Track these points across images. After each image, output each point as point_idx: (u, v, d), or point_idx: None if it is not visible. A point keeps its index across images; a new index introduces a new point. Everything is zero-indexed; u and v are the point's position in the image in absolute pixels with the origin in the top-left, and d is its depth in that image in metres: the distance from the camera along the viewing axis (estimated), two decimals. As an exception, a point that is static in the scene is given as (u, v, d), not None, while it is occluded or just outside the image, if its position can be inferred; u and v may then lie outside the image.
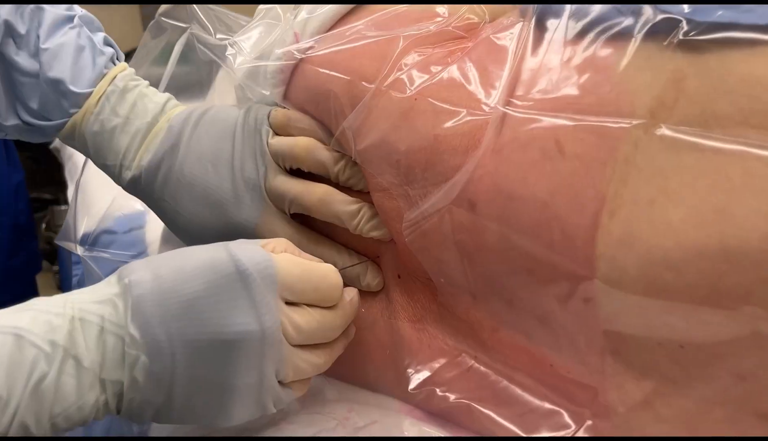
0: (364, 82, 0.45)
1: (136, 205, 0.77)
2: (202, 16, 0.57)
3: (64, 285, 1.23)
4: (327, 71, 0.47)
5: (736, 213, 0.31)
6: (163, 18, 0.59)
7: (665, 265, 0.33)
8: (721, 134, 0.32)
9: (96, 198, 0.80)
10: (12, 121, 0.53)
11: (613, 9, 0.37)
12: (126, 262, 0.42)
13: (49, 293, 0.41)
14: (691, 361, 0.34)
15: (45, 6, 0.53)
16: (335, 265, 0.45)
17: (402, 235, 0.45)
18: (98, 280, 0.43)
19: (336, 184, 0.49)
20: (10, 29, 0.51)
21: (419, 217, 0.43)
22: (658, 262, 0.33)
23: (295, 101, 0.50)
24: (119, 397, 0.39)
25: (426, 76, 0.43)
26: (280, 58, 0.49)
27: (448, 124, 0.41)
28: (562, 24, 0.39)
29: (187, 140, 0.51)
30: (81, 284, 0.75)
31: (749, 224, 0.31)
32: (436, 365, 0.45)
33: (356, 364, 0.50)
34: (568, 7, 0.39)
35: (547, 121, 0.37)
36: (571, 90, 0.37)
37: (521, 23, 0.42)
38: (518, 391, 0.42)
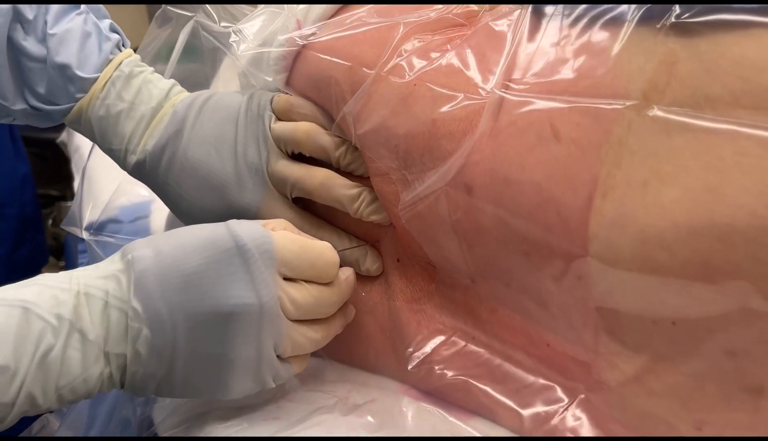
0: (364, 68, 0.46)
1: (142, 191, 0.78)
2: (207, 6, 0.58)
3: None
4: (328, 57, 0.48)
5: (728, 192, 0.32)
6: (169, 7, 0.60)
7: (658, 245, 0.33)
8: (712, 115, 0.33)
9: (102, 186, 0.81)
10: (20, 106, 0.54)
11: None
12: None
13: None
14: (683, 338, 0.34)
15: None
16: (335, 248, 0.45)
17: (401, 218, 0.46)
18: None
19: (337, 169, 0.50)
20: (18, 15, 0.52)
21: (415, 198, 0.44)
22: (651, 241, 0.34)
23: (298, 87, 0.51)
24: (123, 370, 0.40)
25: (425, 62, 0.44)
26: (283, 45, 0.50)
27: (446, 108, 0.42)
28: (558, 10, 0.40)
29: (191, 125, 0.52)
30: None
31: (739, 202, 0.31)
32: (434, 344, 0.45)
33: (356, 347, 0.51)
34: (564, -7, 0.40)
35: (543, 104, 0.38)
36: (566, 74, 0.38)
37: (519, 10, 0.43)
38: (513, 368, 0.43)
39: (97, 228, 0.72)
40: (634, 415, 0.37)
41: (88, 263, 0.59)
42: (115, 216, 0.77)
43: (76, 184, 1.09)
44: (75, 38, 0.53)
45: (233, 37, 0.53)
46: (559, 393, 0.40)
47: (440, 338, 0.46)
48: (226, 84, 0.62)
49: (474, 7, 0.47)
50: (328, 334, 0.46)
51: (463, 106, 0.41)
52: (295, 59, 0.51)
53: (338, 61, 0.47)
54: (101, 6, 0.57)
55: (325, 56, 0.48)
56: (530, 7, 0.41)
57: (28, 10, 0.52)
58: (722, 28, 0.33)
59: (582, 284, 0.36)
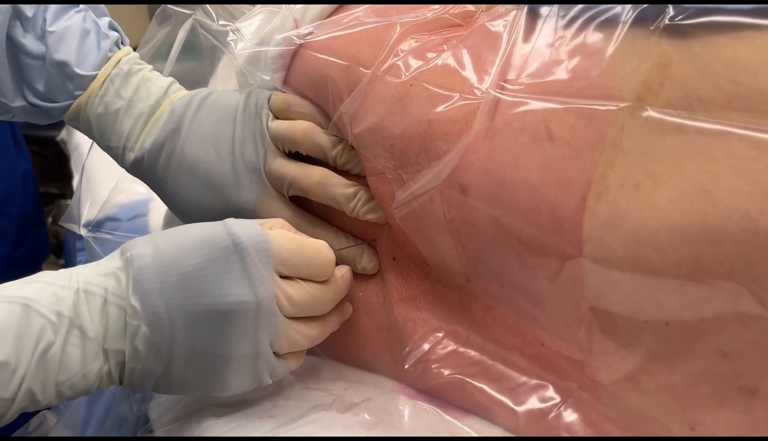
0: (361, 68, 0.46)
1: (140, 188, 0.78)
2: (206, 5, 0.58)
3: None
4: (325, 57, 0.48)
5: (720, 194, 0.32)
6: (168, 5, 0.60)
7: (651, 246, 0.34)
8: (705, 116, 0.33)
9: (101, 184, 0.81)
10: (18, 103, 0.54)
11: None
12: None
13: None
14: (677, 338, 0.34)
15: None
16: (332, 247, 0.46)
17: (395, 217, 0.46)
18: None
19: (334, 168, 0.50)
20: (17, 12, 0.52)
21: (410, 196, 0.44)
22: (644, 242, 0.34)
23: (295, 86, 0.51)
24: (121, 367, 0.41)
25: (421, 62, 0.44)
26: (280, 44, 0.50)
27: (441, 108, 0.42)
28: (553, 11, 0.40)
29: (189, 123, 0.52)
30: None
31: (731, 204, 0.31)
32: (431, 343, 0.46)
33: (353, 345, 0.51)
34: (560, -6, 0.40)
35: (538, 104, 0.38)
36: (561, 74, 0.38)
37: (515, 11, 0.43)
38: (507, 368, 0.43)
39: (96, 225, 0.72)
40: (627, 414, 0.37)
41: (86, 261, 0.60)
42: (113, 214, 0.77)
43: (75, 181, 1.10)
44: (74, 36, 0.53)
45: (231, 36, 0.53)
46: (552, 392, 0.40)
47: (436, 337, 0.46)
48: (224, 82, 0.62)
49: (470, 7, 0.48)
50: (325, 331, 0.46)
51: (459, 107, 0.41)
52: (292, 58, 0.51)
53: (335, 60, 0.47)
54: (100, 5, 0.57)
55: (322, 55, 0.48)
56: (526, 7, 0.42)
57: (28, 8, 0.52)
58: (715, 30, 0.34)
59: (576, 284, 0.37)
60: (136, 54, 0.57)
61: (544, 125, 0.37)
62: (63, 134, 1.31)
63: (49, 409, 0.57)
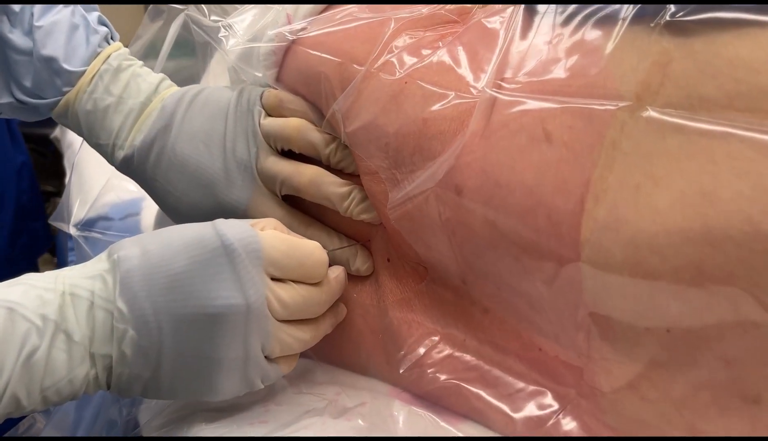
0: (354, 64, 0.45)
1: (130, 186, 0.77)
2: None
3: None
4: (318, 53, 0.47)
5: (722, 196, 0.31)
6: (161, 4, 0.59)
7: (650, 250, 0.33)
8: (707, 117, 0.32)
9: (92, 182, 0.80)
10: (5, 99, 0.53)
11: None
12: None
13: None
14: (678, 345, 0.33)
15: None
16: (325, 248, 0.45)
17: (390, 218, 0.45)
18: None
19: (327, 166, 0.49)
20: (4, 7, 0.51)
21: (404, 197, 0.43)
22: (643, 246, 0.33)
23: (288, 83, 0.50)
24: (109, 371, 0.40)
25: (416, 59, 0.43)
26: (273, 40, 0.49)
27: (436, 107, 0.41)
28: (551, 7, 0.39)
29: (180, 120, 0.51)
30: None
31: (733, 207, 0.31)
32: (426, 347, 0.45)
33: (347, 347, 0.50)
34: (558, -11, 0.39)
35: (535, 104, 0.37)
36: (559, 73, 0.37)
37: (512, 7, 0.42)
38: (504, 374, 0.42)
39: (87, 224, 0.71)
40: (627, 422, 0.36)
41: (76, 261, 0.59)
42: (105, 213, 0.76)
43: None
44: (62, 30, 0.52)
45: (222, 32, 0.52)
46: (551, 399, 0.40)
47: (432, 341, 0.45)
48: (216, 78, 0.61)
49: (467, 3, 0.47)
50: (318, 334, 0.46)
51: (454, 105, 0.40)
52: (285, 54, 0.50)
53: (328, 56, 0.46)
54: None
55: (315, 52, 0.47)
56: (523, 5, 0.41)
57: (15, 2, 0.51)
58: (717, 27, 0.33)
59: (574, 289, 0.36)
60: (126, 49, 0.56)
61: (541, 126, 0.36)
62: (57, 132, 1.30)
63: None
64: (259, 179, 0.50)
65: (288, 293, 0.42)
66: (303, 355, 0.47)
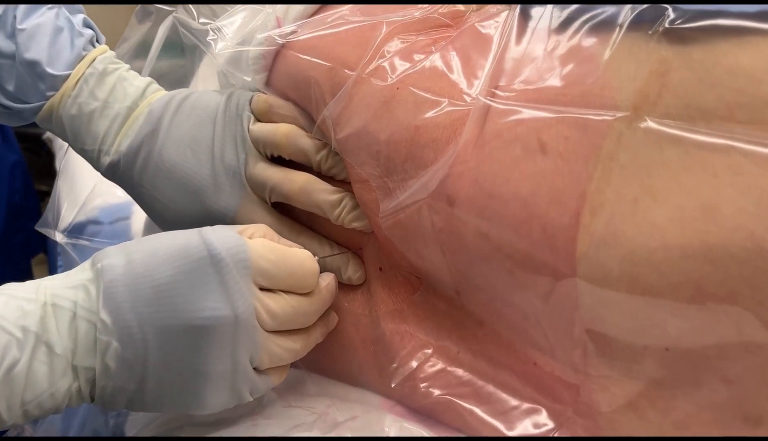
0: (345, 69, 0.44)
1: (118, 191, 0.76)
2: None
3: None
4: (308, 57, 0.46)
5: (722, 211, 0.30)
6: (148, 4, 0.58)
7: (648, 266, 0.32)
8: (706, 129, 0.31)
9: (83, 185, 0.79)
10: (-12, 103, 0.52)
11: (599, -3, 0.36)
12: None
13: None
14: (678, 364, 0.33)
15: None
16: (316, 255, 0.44)
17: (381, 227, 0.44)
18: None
19: (318, 173, 0.48)
20: None
21: (396, 207, 0.42)
22: (641, 262, 0.32)
23: (278, 88, 0.49)
24: (92, 384, 0.39)
25: (408, 64, 0.42)
26: (262, 44, 0.48)
27: (429, 114, 0.40)
28: (546, 12, 0.38)
29: (167, 125, 0.50)
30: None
31: (734, 223, 0.30)
32: (419, 361, 0.44)
33: (338, 357, 0.49)
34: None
35: (530, 113, 0.36)
36: (554, 81, 0.36)
37: (507, 11, 0.41)
38: (498, 390, 0.41)
39: (76, 229, 0.70)
40: None
41: (63, 267, 0.58)
42: (95, 217, 0.75)
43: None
44: (46, 33, 0.51)
45: (211, 35, 0.51)
46: (546, 417, 0.39)
47: (424, 354, 0.44)
48: (205, 82, 0.60)
49: (460, 7, 0.45)
50: (308, 344, 0.45)
51: (447, 113, 0.39)
52: (274, 58, 0.49)
53: (318, 61, 0.45)
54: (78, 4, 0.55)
55: (305, 56, 0.46)
56: (518, 8, 0.39)
57: None
58: (717, 34, 0.32)
59: (570, 304, 0.35)
60: (112, 52, 0.55)
61: (536, 136, 0.35)
62: (49, 132, 1.29)
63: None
64: (248, 186, 0.49)
65: (277, 303, 0.41)
66: (293, 365, 0.46)
